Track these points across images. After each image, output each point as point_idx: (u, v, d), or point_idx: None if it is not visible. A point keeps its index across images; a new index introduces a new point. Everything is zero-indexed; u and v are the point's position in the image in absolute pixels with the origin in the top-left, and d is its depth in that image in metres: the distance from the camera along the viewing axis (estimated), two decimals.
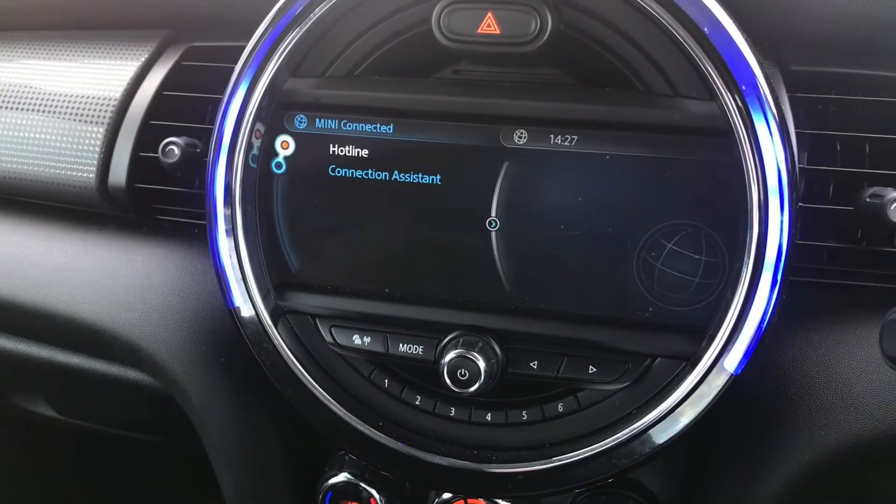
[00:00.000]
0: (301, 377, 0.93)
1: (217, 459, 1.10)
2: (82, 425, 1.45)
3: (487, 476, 0.90)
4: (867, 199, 0.86)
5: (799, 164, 0.88)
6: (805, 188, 0.89)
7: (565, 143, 0.83)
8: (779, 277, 0.79)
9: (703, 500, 1.02)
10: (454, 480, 0.91)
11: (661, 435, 0.85)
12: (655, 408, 0.85)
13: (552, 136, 0.83)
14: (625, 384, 0.86)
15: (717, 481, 0.99)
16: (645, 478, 1.03)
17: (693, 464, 1.03)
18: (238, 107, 0.89)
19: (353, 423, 0.93)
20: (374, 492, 1.03)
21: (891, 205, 0.83)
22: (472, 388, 0.85)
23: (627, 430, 0.86)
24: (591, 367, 0.86)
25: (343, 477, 1.05)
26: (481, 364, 0.85)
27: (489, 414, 0.91)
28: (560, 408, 0.89)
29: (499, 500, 0.99)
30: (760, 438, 0.94)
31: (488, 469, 0.90)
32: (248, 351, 0.95)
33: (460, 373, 0.85)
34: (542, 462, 0.88)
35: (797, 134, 0.88)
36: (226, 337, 1.04)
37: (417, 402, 0.93)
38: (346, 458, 1.07)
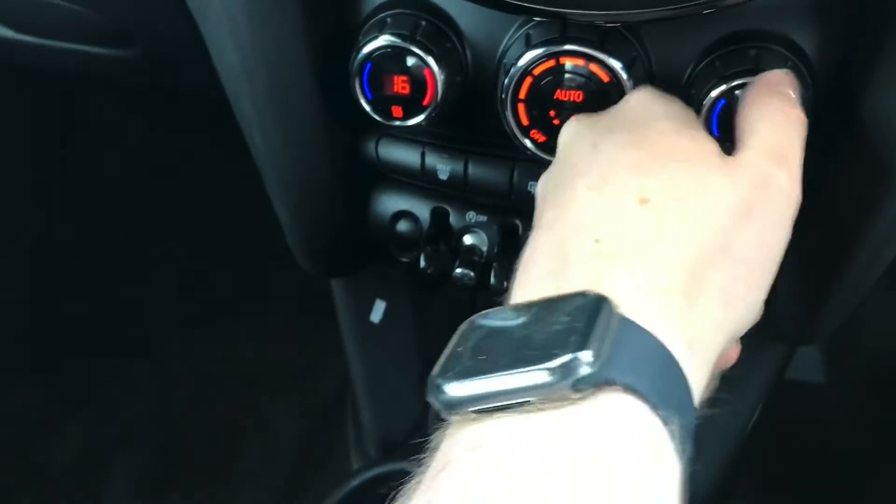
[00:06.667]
0: None
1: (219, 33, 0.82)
2: (40, 45, 1.17)
3: None
4: None
5: None
6: None
7: None
8: None
9: (864, 70, 0.76)
10: None
11: None
12: None
13: None
14: None
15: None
16: (797, 34, 0.76)
17: (855, 21, 0.76)
18: None
19: None
20: (430, 59, 0.77)
21: None
22: None
23: None
24: None
25: (385, 40, 0.78)
26: None
27: None
28: None
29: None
30: None
31: None
32: None
33: None
34: None
35: None
36: None
37: None
38: (387, 19, 0.79)
